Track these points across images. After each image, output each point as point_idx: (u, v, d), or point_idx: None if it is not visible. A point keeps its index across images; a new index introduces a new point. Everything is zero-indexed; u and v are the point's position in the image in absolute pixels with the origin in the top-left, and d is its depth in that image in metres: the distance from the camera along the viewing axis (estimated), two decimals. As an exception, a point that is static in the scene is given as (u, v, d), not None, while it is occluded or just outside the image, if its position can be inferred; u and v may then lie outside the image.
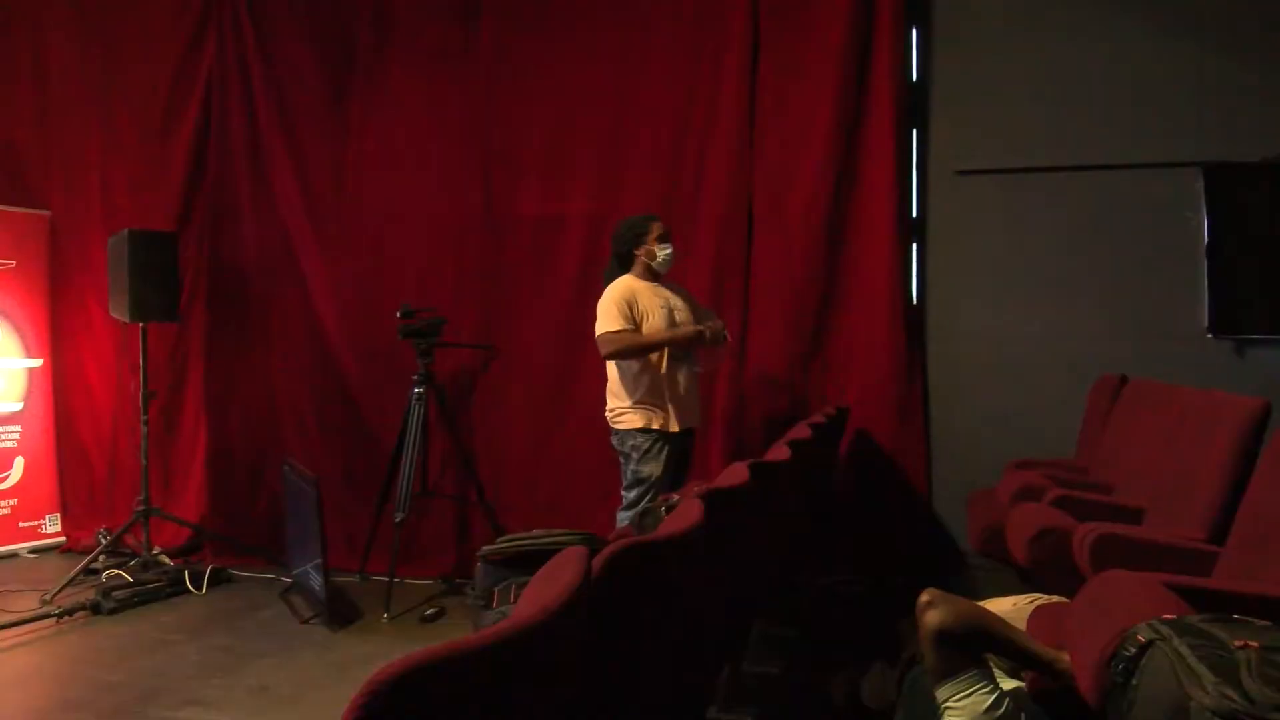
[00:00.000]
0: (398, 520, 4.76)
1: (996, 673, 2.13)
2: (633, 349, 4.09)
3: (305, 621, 4.60)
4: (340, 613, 4.63)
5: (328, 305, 5.61)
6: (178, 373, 5.89)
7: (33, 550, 6.03)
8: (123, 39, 6.05)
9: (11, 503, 5.97)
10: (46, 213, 6.21)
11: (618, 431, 4.20)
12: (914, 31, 4.96)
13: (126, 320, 5.42)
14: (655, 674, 1.82)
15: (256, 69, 5.74)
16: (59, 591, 4.96)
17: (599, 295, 4.19)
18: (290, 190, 5.68)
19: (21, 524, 6.00)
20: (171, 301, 5.47)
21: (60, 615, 4.61)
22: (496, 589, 2.58)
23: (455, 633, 4.37)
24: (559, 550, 1.40)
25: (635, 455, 4.13)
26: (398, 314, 4.96)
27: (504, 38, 5.32)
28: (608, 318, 4.09)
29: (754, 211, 5.01)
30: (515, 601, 2.38)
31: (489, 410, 5.33)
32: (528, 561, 2.59)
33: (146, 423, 5.46)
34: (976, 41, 4.90)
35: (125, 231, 5.35)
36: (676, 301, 4.23)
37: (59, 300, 6.22)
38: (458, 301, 5.28)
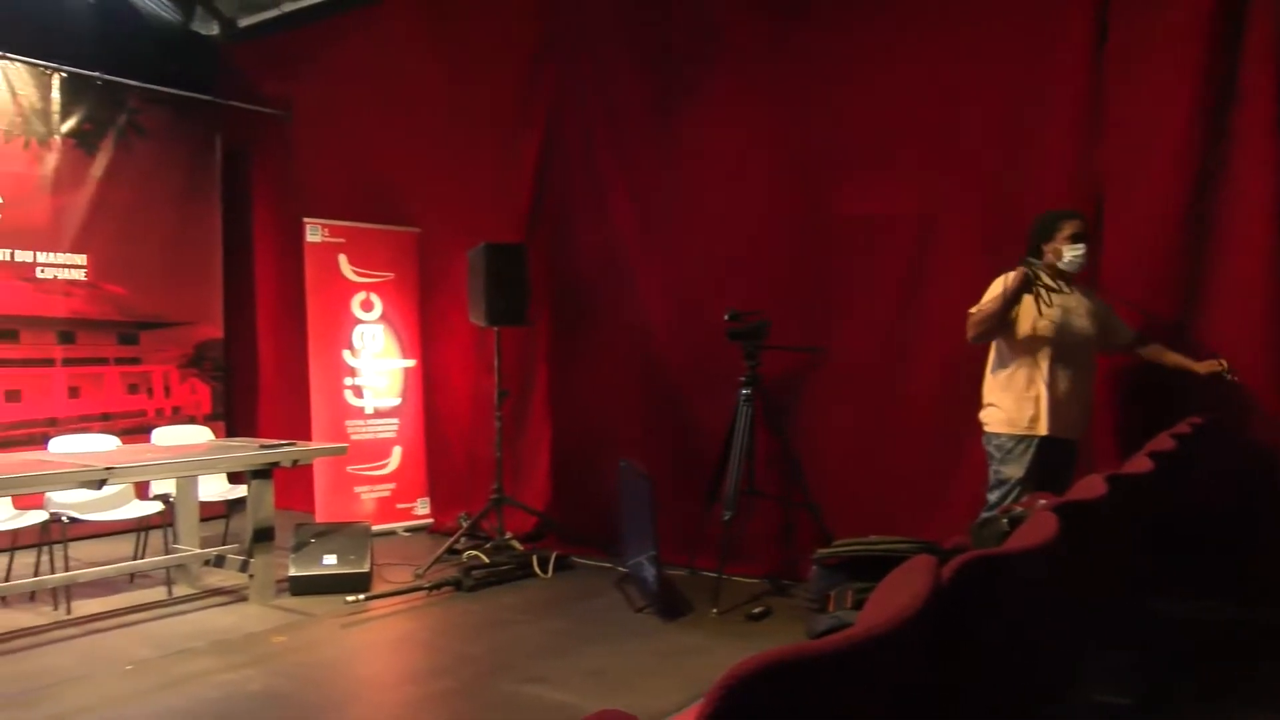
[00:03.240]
0: (726, 518, 4.86)
1: None
2: (975, 321, 3.96)
3: (639, 611, 4.82)
4: (671, 604, 4.80)
5: (658, 310, 5.84)
6: (527, 373, 6.39)
7: (407, 529, 6.81)
8: (472, 69, 6.68)
9: (391, 487, 6.79)
10: (416, 230, 6.99)
11: (985, 431, 4.05)
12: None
13: (483, 325, 5.98)
14: (997, 693, 1.72)
15: (591, 89, 6.10)
16: (429, 568, 5.55)
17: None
18: (622, 201, 5.98)
19: (398, 505, 6.81)
20: (522, 308, 5.94)
21: (430, 589, 5.16)
22: (831, 593, 2.56)
23: (782, 632, 4.39)
24: (897, 558, 1.37)
25: (997, 455, 3.98)
26: (725, 317, 5.06)
27: (822, 38, 5.27)
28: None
29: (1104, 206, 4.59)
30: (851, 607, 2.35)
31: (815, 412, 5.30)
32: (863, 567, 2.55)
33: (500, 419, 5.99)
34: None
35: (482, 245, 5.90)
36: (1077, 306, 4.01)
37: (427, 308, 6.98)
38: (783, 304, 5.29)
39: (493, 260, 5.85)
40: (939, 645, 1.34)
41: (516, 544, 5.88)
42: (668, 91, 5.78)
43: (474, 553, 5.70)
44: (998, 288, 3.95)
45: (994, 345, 4.11)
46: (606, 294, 6.07)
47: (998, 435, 4.03)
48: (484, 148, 6.61)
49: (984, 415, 4.13)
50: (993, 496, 4.01)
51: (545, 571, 5.51)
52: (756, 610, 4.72)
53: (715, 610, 4.74)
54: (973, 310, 3.99)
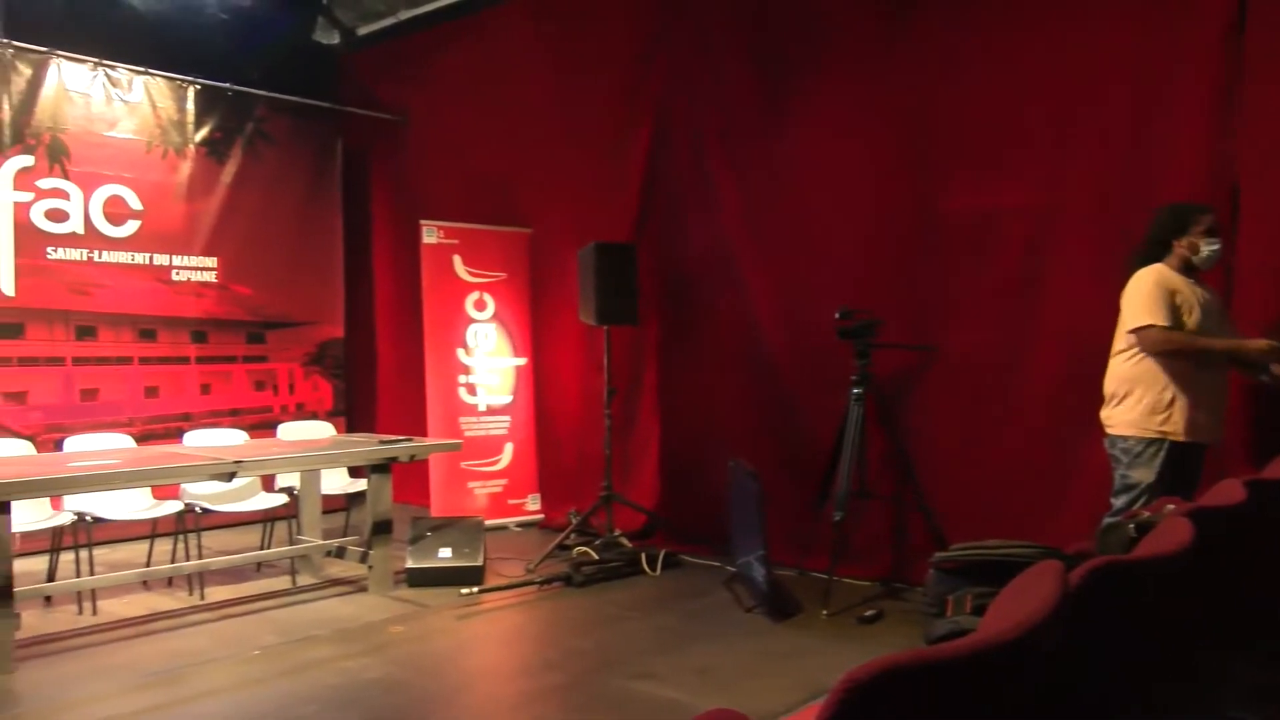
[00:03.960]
0: (836, 519, 4.80)
1: None
2: (1190, 351, 3.76)
3: (748, 610, 4.80)
4: (781, 605, 4.77)
5: (767, 309, 5.80)
6: (636, 372, 6.43)
7: (518, 525, 6.93)
8: (582, 70, 6.75)
9: (503, 483, 6.92)
10: (528, 230, 7.11)
11: (1109, 434, 3.90)
12: None
13: (593, 324, 6.04)
14: (1126, 704, 1.66)
15: (700, 85, 6.10)
16: (539, 563, 5.65)
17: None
18: (731, 198, 5.96)
19: (510, 501, 6.94)
20: (631, 307, 5.99)
21: (541, 583, 5.24)
22: (950, 597, 2.50)
23: (894, 636, 4.32)
24: (1018, 563, 1.33)
25: (1124, 459, 3.82)
26: (835, 315, 4.99)
27: (933, 32, 5.14)
28: (1150, 309, 3.78)
29: (1240, 200, 4.35)
30: (970, 612, 2.29)
31: (928, 412, 5.19)
32: (983, 572, 2.48)
33: (609, 417, 6.04)
34: None
35: (592, 245, 5.97)
36: (1210, 303, 3.86)
37: (538, 307, 7.10)
38: (894, 302, 5.20)
39: (602, 260, 5.91)
40: (1067, 653, 1.29)
41: (625, 541, 5.93)
42: (777, 88, 5.73)
43: (583, 549, 5.77)
44: (1156, 298, 3.76)
45: (1121, 342, 3.94)
46: (715, 292, 6.06)
47: (1125, 438, 3.87)
48: (594, 148, 6.68)
49: (1109, 416, 3.97)
50: (1118, 501, 3.86)
51: (654, 569, 5.54)
52: (868, 613, 4.65)
53: (825, 612, 4.69)
54: (1167, 329, 3.76)
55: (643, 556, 5.59)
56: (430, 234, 6.82)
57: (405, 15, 7.74)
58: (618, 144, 6.54)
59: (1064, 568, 1.26)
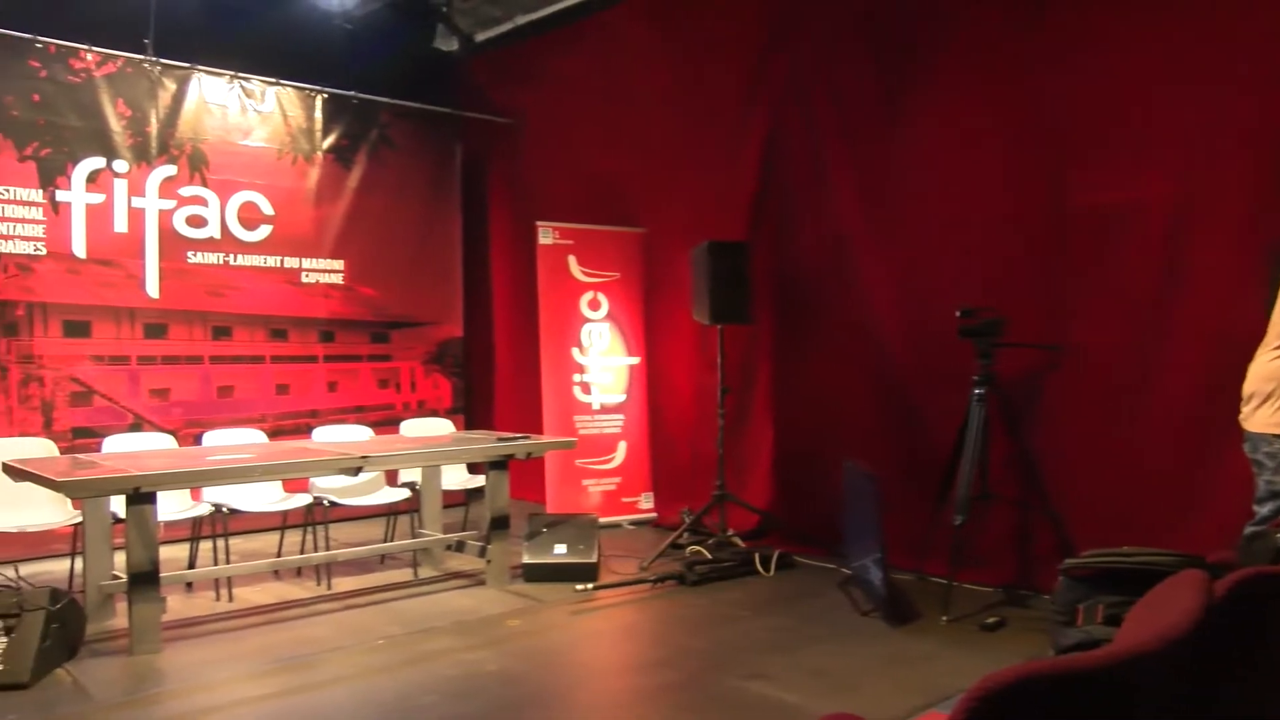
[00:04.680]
0: (957, 523, 4.67)
1: None
2: None
3: (864, 614, 4.72)
4: (898, 609, 4.67)
5: (885, 307, 5.69)
6: (749, 371, 6.40)
7: (632, 523, 6.97)
8: (696, 70, 6.75)
9: (616, 481, 6.98)
10: (642, 230, 7.14)
11: (1250, 435, 3.68)
12: None
13: (706, 323, 6.04)
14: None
15: (819, 80, 6.02)
16: (652, 561, 5.67)
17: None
18: (848, 195, 5.87)
19: (623, 499, 6.99)
20: (745, 305, 5.96)
21: (654, 581, 5.27)
22: (1081, 606, 2.40)
23: (1018, 644, 4.18)
24: (1156, 572, 1.27)
25: (1270, 464, 3.59)
26: (957, 313, 4.86)
27: (1066, 16, 4.95)
28: None
29: None
30: (1103, 622, 2.20)
31: (1054, 413, 5.00)
32: (1117, 580, 2.38)
33: (723, 416, 6.02)
34: None
35: (705, 243, 5.96)
36: None
37: (652, 306, 7.13)
38: (1020, 299, 5.03)
39: (716, 258, 5.90)
40: (1210, 667, 1.23)
41: (738, 541, 5.90)
42: (897, 82, 5.61)
43: (696, 548, 5.77)
44: None
45: (1276, 340, 3.71)
46: (831, 290, 5.98)
47: (1269, 439, 3.62)
48: (708, 147, 6.67)
49: (1252, 417, 3.72)
50: (1263, 509, 3.62)
51: (767, 569, 5.50)
52: (990, 620, 4.51)
53: (945, 618, 4.57)
54: None
55: (756, 557, 5.55)
56: (546, 235, 6.93)
57: (521, 20, 7.87)
58: (732, 142, 6.51)
59: (1207, 578, 1.20)
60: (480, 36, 8.27)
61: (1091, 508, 4.73)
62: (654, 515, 7.04)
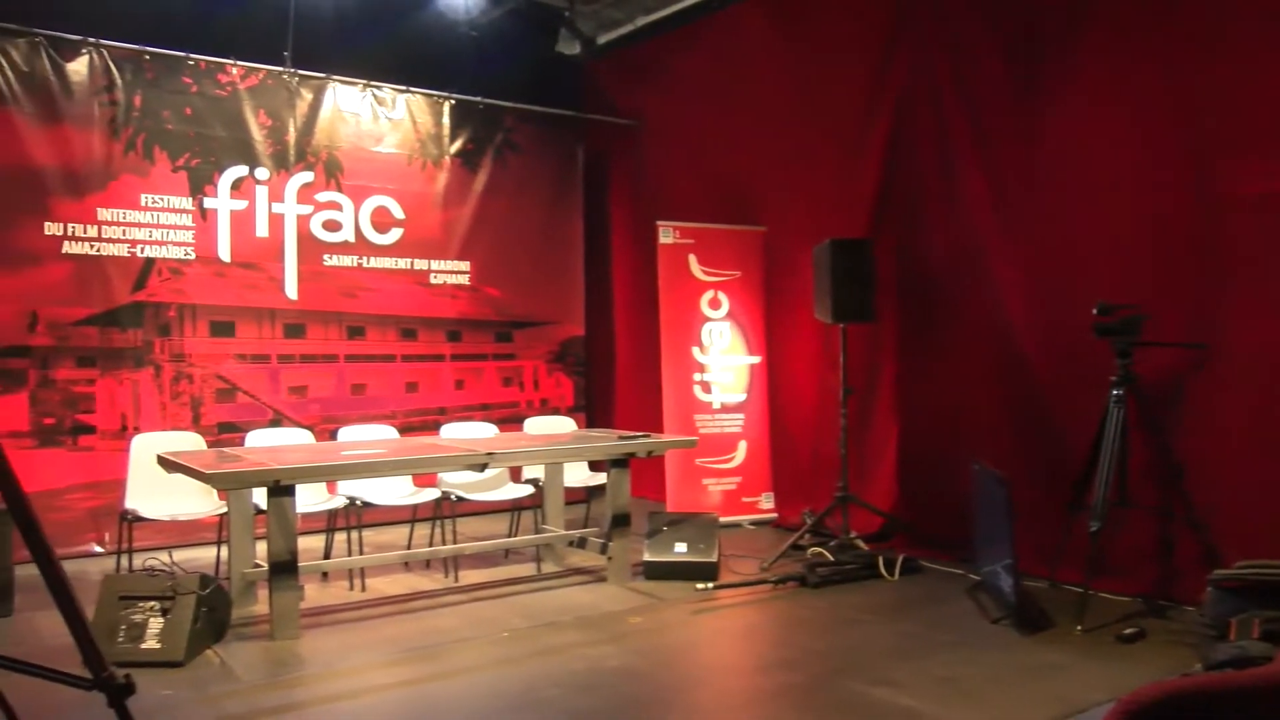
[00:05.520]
0: (1093, 530, 4.48)
1: None
2: None
3: (994, 621, 4.58)
4: (1030, 617, 4.52)
5: (1016, 305, 5.51)
6: (873, 370, 6.28)
7: (752, 523, 6.94)
8: (817, 65, 6.68)
9: (737, 480, 6.96)
10: (762, 229, 7.10)
11: None
12: None
13: (828, 322, 5.96)
14: None
15: (944, 73, 5.87)
16: (773, 562, 5.63)
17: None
18: (978, 190, 5.70)
19: (744, 499, 6.96)
20: (868, 303, 5.86)
21: (775, 582, 5.23)
22: (1234, 620, 2.28)
23: (1159, 658, 3.99)
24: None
25: None
26: (1093, 311, 4.67)
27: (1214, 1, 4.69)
28: None
29: None
30: (1259, 637, 2.08)
31: (1200, 416, 4.74)
32: (1274, 593, 2.24)
33: (845, 416, 5.93)
34: None
35: (827, 241, 5.89)
36: None
37: (773, 305, 7.08)
38: (1162, 296, 4.79)
39: (838, 256, 5.82)
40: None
41: (861, 544, 5.81)
42: (1031, 71, 5.42)
43: (818, 550, 5.71)
44: None
45: None
46: (959, 287, 5.82)
47: None
48: (829, 143, 6.58)
49: None
50: None
51: (892, 573, 5.39)
52: (1128, 631, 4.31)
53: (1079, 627, 4.40)
54: None
55: (880, 560, 5.45)
56: (666, 234, 6.96)
57: (642, 21, 7.92)
58: (855, 138, 6.41)
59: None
60: (602, 39, 8.36)
61: (1239, 517, 4.47)
62: (774, 515, 6.99)
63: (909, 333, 6.15)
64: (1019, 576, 4.48)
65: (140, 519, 4.94)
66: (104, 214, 6.21)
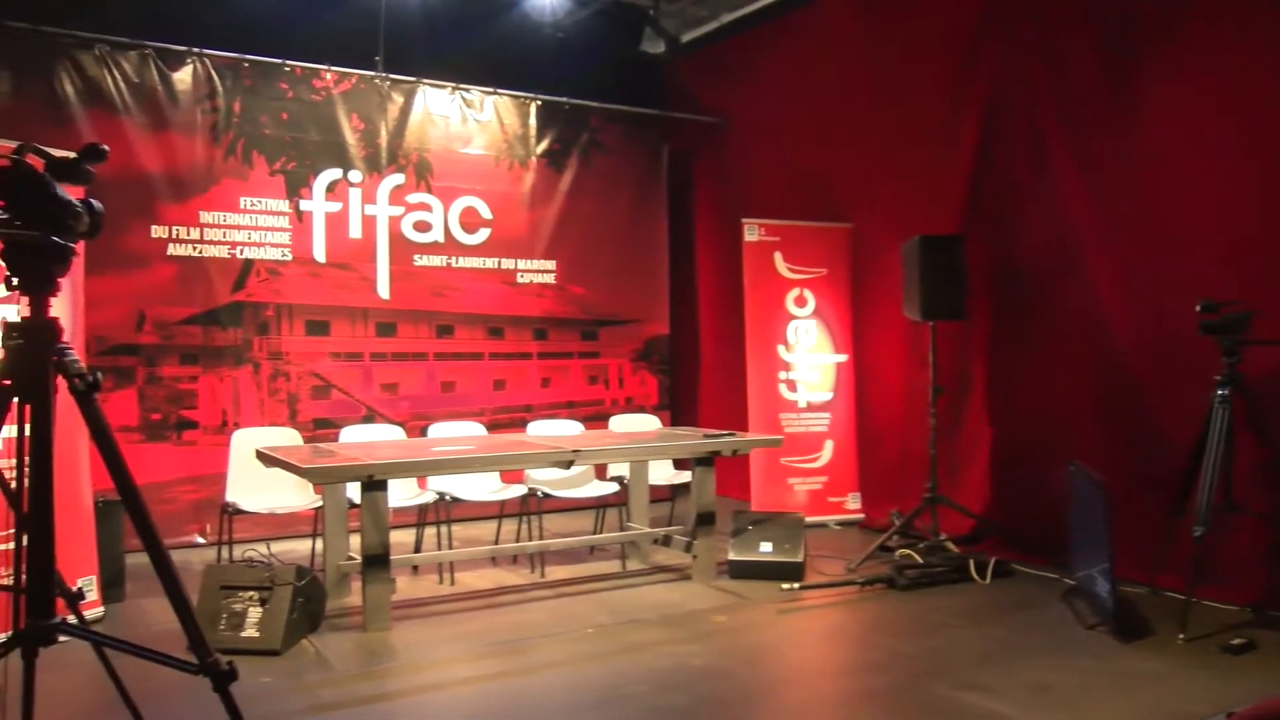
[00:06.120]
0: (1197, 535, 4.32)
1: None
2: None
3: (1089, 628, 4.45)
4: (1128, 624, 4.38)
5: (1114, 301, 5.34)
6: (964, 369, 6.16)
7: (838, 523, 6.87)
8: (904, 58, 6.58)
9: (822, 480, 6.90)
10: (849, 225, 7.02)
11: None
12: None
13: (917, 319, 5.86)
14: None
15: (1035, 66, 5.73)
16: (860, 563, 5.56)
17: None
18: (1073, 184, 5.54)
19: (830, 499, 6.89)
20: (958, 301, 5.75)
21: (863, 584, 5.16)
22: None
23: (1269, 671, 3.83)
24: None
25: None
26: (1197, 308, 4.50)
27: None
28: None
29: None
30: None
31: (1314, 418, 4.54)
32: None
33: (935, 415, 5.83)
34: None
35: (916, 238, 5.79)
36: None
37: (860, 302, 6.99)
38: (1271, 293, 4.59)
39: (927, 253, 5.72)
40: None
41: (951, 546, 5.69)
42: (1127, 61, 5.25)
43: (906, 551, 5.61)
44: None
45: None
46: (1054, 284, 5.67)
47: None
48: (918, 139, 6.47)
49: None
50: None
51: (983, 577, 5.27)
52: (1235, 642, 4.14)
53: (1182, 636, 4.24)
54: None
55: (971, 563, 5.33)
56: (752, 232, 6.92)
57: (726, 18, 7.90)
58: (944, 134, 6.29)
59: None
60: (686, 37, 8.36)
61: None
62: (861, 516, 6.90)
63: (1001, 330, 6.00)
64: (1116, 582, 4.34)
65: (240, 511, 5.11)
66: (206, 217, 6.45)
